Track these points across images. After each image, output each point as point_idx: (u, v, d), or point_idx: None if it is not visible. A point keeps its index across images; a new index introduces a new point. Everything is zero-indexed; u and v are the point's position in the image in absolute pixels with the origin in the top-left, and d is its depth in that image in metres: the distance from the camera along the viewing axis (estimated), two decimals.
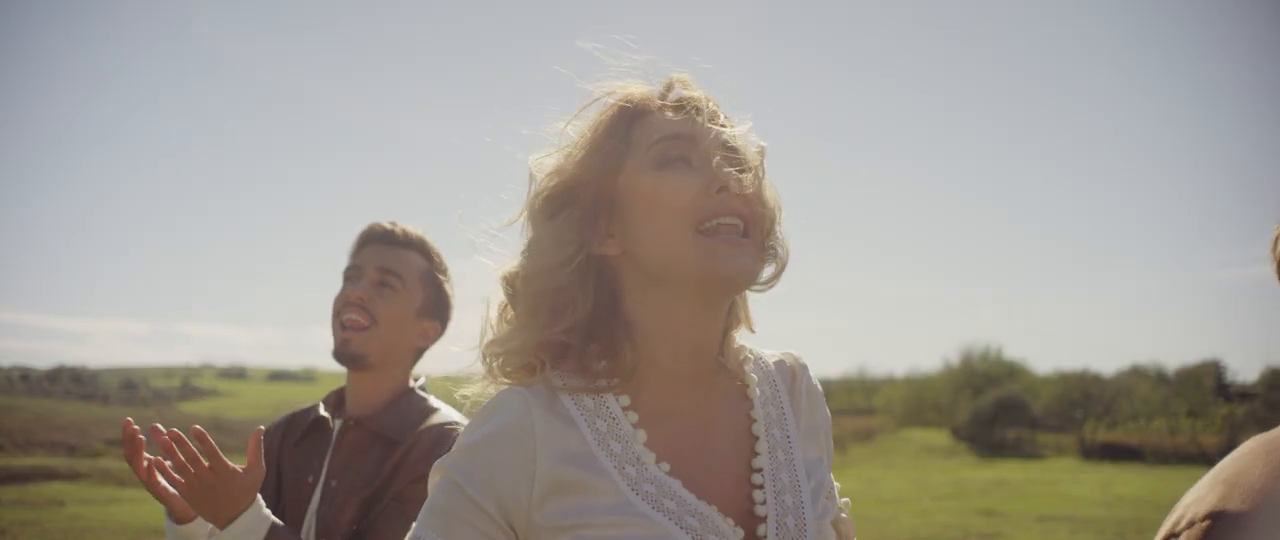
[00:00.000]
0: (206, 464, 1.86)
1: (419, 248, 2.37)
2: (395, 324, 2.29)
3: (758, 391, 1.36)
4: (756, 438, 1.32)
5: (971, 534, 16.01)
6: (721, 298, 1.29)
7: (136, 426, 1.86)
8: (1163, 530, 1.42)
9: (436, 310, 2.38)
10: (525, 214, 1.34)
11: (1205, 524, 1.34)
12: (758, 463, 1.29)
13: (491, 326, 1.35)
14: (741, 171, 1.27)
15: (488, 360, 1.32)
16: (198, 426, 1.86)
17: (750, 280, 1.27)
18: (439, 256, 2.40)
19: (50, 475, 23.82)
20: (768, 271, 1.31)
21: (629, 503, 1.20)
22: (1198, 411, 37.04)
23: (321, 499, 2.21)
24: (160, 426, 1.87)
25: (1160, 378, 45.24)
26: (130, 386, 69.42)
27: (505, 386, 1.29)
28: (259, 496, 1.94)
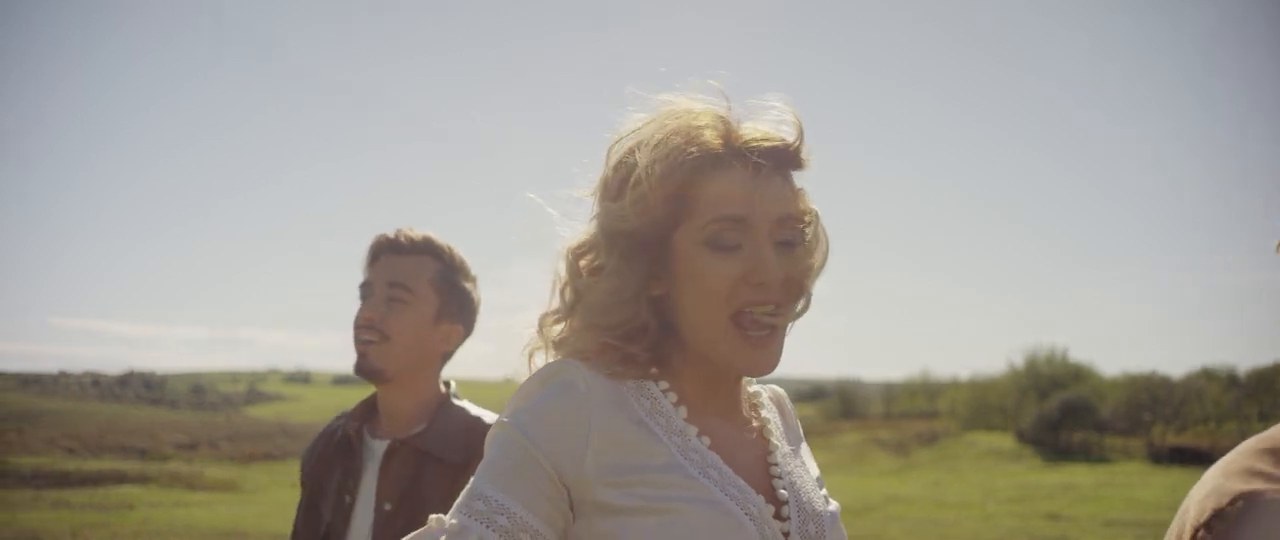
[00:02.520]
0: None
1: (427, 250, 2.29)
2: (410, 336, 2.23)
3: (764, 405, 1.51)
4: (768, 438, 1.44)
5: (1037, 538, 15.77)
6: None
7: None
8: (1172, 530, 1.38)
9: (455, 312, 2.30)
10: (595, 193, 1.39)
11: (1235, 506, 1.30)
12: (773, 458, 1.41)
13: (560, 280, 1.40)
14: (790, 243, 1.34)
15: (546, 336, 1.41)
16: None
17: (766, 373, 1.37)
18: (451, 254, 2.31)
19: (120, 478, 24.32)
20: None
21: (680, 465, 1.29)
22: (1270, 414, 36.08)
23: (377, 525, 2.14)
24: None
25: (1231, 380, 44.27)
26: (199, 391, 70.80)
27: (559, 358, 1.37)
28: None
